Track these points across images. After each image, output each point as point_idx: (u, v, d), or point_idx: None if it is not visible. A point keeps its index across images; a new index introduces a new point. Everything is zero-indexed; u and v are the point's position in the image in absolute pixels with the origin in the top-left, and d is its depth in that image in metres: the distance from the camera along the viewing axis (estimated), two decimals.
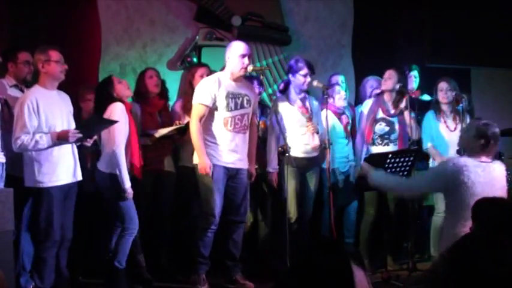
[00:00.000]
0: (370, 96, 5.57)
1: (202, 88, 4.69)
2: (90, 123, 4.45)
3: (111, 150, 4.44)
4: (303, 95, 5.08)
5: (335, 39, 6.90)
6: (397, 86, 5.37)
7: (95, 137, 4.50)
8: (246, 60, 4.69)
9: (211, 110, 4.65)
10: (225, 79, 4.71)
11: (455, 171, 3.76)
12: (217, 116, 4.66)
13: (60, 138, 4.19)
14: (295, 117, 4.98)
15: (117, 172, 4.44)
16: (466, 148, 4.04)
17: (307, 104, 5.09)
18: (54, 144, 4.19)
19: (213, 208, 4.63)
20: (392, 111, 5.29)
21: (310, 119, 4.99)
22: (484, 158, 3.86)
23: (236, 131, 4.68)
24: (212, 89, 4.64)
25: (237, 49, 4.69)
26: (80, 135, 4.23)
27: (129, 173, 4.54)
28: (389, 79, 5.28)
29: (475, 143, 3.87)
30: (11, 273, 3.81)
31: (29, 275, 4.41)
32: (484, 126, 3.92)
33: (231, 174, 4.71)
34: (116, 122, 4.39)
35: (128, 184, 4.46)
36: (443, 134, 5.25)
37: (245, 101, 4.72)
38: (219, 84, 4.66)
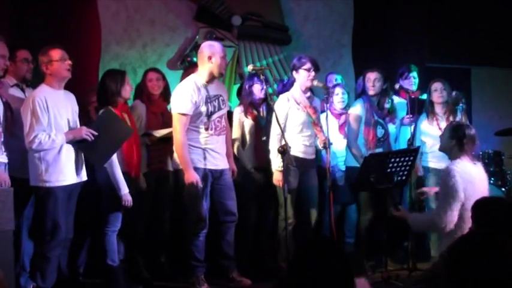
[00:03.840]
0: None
1: (181, 97, 4.60)
2: (104, 119, 4.44)
3: None
4: (308, 94, 5.06)
5: (335, 39, 6.91)
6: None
7: None
8: (225, 61, 4.73)
9: (192, 116, 4.60)
10: (201, 83, 4.66)
11: (461, 171, 3.82)
12: (198, 122, 4.62)
13: (75, 135, 4.22)
14: (300, 118, 4.94)
15: (112, 178, 4.46)
16: (444, 150, 4.07)
17: (314, 104, 5.07)
18: (67, 142, 4.21)
19: (201, 212, 4.62)
20: (381, 113, 5.33)
21: (316, 123, 4.95)
22: (465, 160, 3.90)
23: (217, 133, 4.68)
24: (193, 97, 4.58)
25: (219, 50, 4.65)
26: (95, 132, 4.24)
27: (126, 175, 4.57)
28: (378, 82, 5.30)
29: (450, 143, 3.93)
30: (11, 273, 3.80)
31: (28, 275, 4.41)
32: (457, 127, 3.98)
33: (216, 176, 4.70)
34: (124, 124, 4.40)
35: (124, 190, 4.46)
36: (436, 136, 5.16)
37: (221, 103, 4.72)
38: (197, 90, 4.61)
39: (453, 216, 3.78)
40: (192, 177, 4.52)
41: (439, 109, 5.30)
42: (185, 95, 4.58)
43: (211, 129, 4.65)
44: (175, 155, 4.66)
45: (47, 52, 4.24)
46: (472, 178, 3.83)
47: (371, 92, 5.31)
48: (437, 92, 5.29)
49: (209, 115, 4.63)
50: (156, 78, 5.09)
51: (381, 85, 5.32)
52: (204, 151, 4.63)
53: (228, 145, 4.85)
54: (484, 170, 4.00)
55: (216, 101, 4.68)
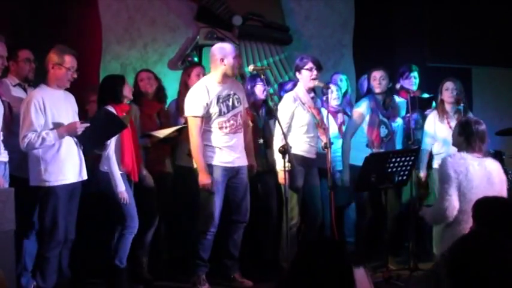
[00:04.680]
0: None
1: (192, 100, 4.64)
2: (99, 118, 4.43)
3: (106, 152, 4.47)
4: (312, 94, 5.06)
5: (336, 39, 6.91)
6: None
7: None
8: (238, 60, 4.75)
9: (206, 117, 4.63)
10: (212, 84, 4.67)
11: (455, 164, 3.83)
12: (212, 122, 4.65)
13: (69, 131, 4.20)
14: (306, 118, 4.92)
15: (110, 175, 4.46)
16: (455, 146, 4.07)
17: (317, 105, 5.06)
18: (61, 138, 4.18)
19: (213, 211, 4.62)
20: (385, 112, 5.33)
21: (320, 124, 4.95)
22: (475, 155, 3.88)
23: (232, 132, 4.69)
24: (203, 99, 4.61)
25: (232, 50, 4.68)
26: (87, 124, 4.23)
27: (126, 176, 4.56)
28: (384, 80, 5.30)
29: (459, 139, 3.94)
30: (11, 273, 3.81)
31: (30, 275, 4.41)
32: (467, 123, 3.97)
33: (231, 174, 4.71)
34: (121, 120, 4.39)
35: (120, 188, 4.45)
36: (447, 135, 5.17)
37: (235, 101, 4.72)
38: (208, 92, 4.63)
39: (452, 200, 3.78)
40: (205, 179, 4.56)
41: (449, 108, 5.31)
42: (195, 98, 4.62)
43: (225, 128, 4.66)
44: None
45: (62, 55, 4.23)
46: (469, 173, 3.81)
47: (377, 90, 5.31)
48: (449, 92, 5.29)
49: (222, 115, 4.64)
50: (147, 77, 5.10)
51: (386, 83, 5.33)
52: (219, 150, 4.65)
53: (247, 141, 4.85)
54: (497, 165, 3.95)
55: (230, 100, 4.69)
